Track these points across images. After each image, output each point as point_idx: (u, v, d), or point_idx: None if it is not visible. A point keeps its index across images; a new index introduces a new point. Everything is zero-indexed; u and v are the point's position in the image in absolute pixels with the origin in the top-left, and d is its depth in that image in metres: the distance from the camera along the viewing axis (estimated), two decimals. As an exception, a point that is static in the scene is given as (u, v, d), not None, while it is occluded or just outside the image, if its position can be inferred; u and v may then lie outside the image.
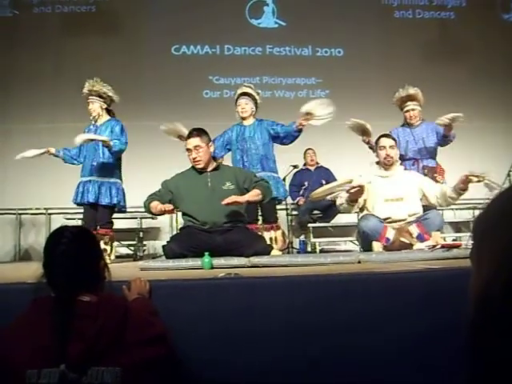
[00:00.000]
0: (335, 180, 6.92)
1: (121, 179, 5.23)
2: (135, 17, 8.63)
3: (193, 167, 4.22)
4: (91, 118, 5.19)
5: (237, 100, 5.40)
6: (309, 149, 7.28)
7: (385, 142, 4.56)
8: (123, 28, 8.52)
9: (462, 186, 4.25)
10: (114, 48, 8.29)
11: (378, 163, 4.62)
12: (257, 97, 5.42)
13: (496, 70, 8.65)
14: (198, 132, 4.19)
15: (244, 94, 5.40)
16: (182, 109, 8.28)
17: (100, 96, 5.19)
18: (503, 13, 9.35)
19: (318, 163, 7.32)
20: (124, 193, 5.22)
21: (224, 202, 3.84)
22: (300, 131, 5.20)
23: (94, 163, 5.07)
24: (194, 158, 4.12)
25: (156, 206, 3.98)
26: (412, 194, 4.41)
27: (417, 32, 8.93)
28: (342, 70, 8.91)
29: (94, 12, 8.65)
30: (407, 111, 5.49)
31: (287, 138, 5.30)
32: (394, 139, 4.66)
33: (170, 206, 3.95)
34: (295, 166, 6.68)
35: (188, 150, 4.14)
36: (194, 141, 4.13)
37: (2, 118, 7.95)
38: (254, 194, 4.06)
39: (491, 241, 0.67)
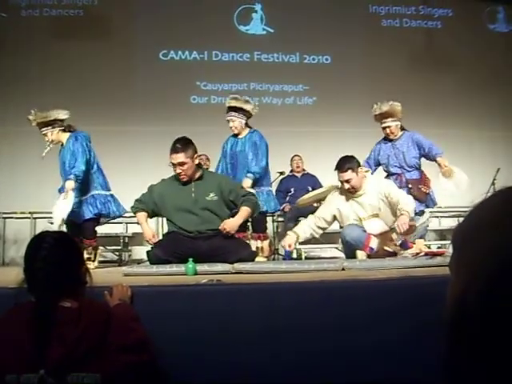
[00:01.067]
0: (321, 187, 6.95)
1: (102, 188, 5.17)
2: (123, 21, 8.61)
3: (175, 178, 4.16)
4: (48, 144, 5.15)
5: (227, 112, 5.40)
6: (295, 155, 7.29)
7: (340, 177, 4.38)
8: (111, 32, 8.50)
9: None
10: (102, 52, 8.27)
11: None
12: (247, 107, 5.36)
13: (482, 79, 8.72)
14: (183, 147, 4.00)
15: (231, 108, 5.36)
16: (169, 114, 8.29)
17: (48, 124, 5.14)
18: (489, 23, 9.44)
19: (304, 170, 7.32)
20: (111, 199, 5.16)
21: (223, 230, 3.94)
22: None
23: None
24: (178, 173, 4.05)
25: (142, 222, 4.13)
26: (383, 206, 4.37)
27: (404, 41, 9.00)
28: (330, 77, 8.95)
29: (81, 16, 8.62)
30: (384, 128, 5.46)
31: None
32: (349, 163, 4.40)
33: (154, 240, 4.06)
34: (281, 173, 6.70)
35: (172, 164, 4.05)
36: (178, 157, 3.98)
37: (-13, 121, 7.91)
38: (244, 215, 4.08)
39: (469, 249, 0.68)
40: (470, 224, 0.72)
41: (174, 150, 3.99)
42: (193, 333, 2.24)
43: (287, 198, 6.94)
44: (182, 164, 3.99)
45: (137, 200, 4.17)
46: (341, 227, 4.61)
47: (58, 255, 1.80)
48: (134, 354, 1.79)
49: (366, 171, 4.58)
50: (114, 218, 5.35)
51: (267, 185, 5.46)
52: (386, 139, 5.49)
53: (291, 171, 7.28)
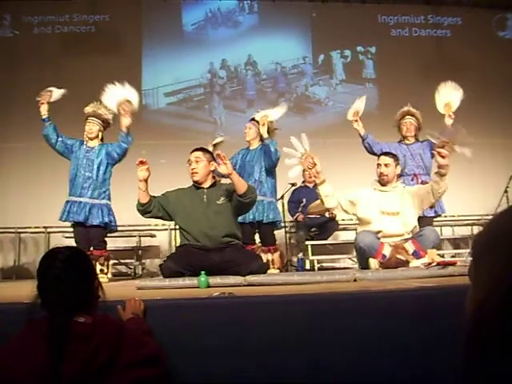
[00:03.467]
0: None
1: (110, 200, 5.24)
2: (134, 37, 8.70)
3: (193, 185, 4.29)
4: (86, 137, 5.22)
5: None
6: (307, 166, 7.31)
7: (381, 159, 4.62)
8: (122, 48, 8.58)
9: (439, 162, 4.27)
10: (113, 67, 8.33)
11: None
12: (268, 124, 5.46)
13: (493, 86, 8.70)
14: (203, 149, 4.41)
15: (252, 118, 5.57)
16: (181, 127, 8.35)
17: (102, 120, 5.23)
18: (499, 30, 9.42)
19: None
20: (113, 213, 5.23)
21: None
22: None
23: (86, 184, 5.09)
24: (192, 169, 4.21)
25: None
26: (408, 209, 4.44)
27: (414, 50, 9.00)
28: (339, 86, 8.99)
29: (93, 32, 8.73)
30: (404, 124, 5.54)
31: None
32: (394, 156, 4.67)
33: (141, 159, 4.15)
34: (293, 184, 6.70)
35: (189, 160, 4.26)
36: (196, 153, 4.28)
37: (1, 136, 7.99)
38: (240, 179, 4.16)
39: (489, 259, 0.69)
40: (489, 234, 0.73)
41: (195, 149, 4.34)
42: (205, 346, 2.26)
43: (299, 209, 6.95)
44: (197, 160, 4.22)
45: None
46: (356, 218, 4.69)
47: (70, 271, 1.82)
48: (147, 369, 1.80)
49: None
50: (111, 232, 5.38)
51: (271, 196, 5.48)
52: (401, 142, 5.55)
53: (303, 182, 7.29)
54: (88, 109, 5.27)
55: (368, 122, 8.26)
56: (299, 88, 9.06)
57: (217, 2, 9.08)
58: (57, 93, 5.25)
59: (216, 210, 4.12)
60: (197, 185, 4.26)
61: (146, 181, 4.13)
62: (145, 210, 4.19)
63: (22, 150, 7.97)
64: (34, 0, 8.59)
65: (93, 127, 5.20)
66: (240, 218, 4.84)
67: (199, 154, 4.28)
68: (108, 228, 5.18)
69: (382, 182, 4.57)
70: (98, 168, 5.11)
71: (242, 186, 4.07)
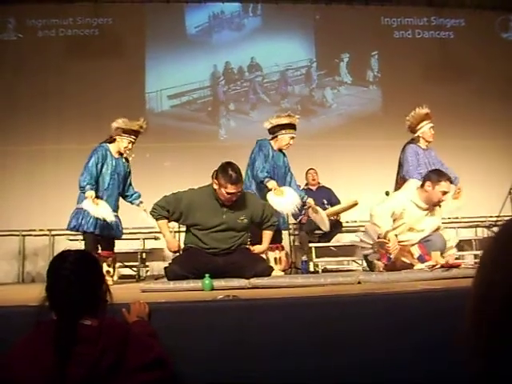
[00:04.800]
0: (337, 199, 6.97)
1: None
2: (137, 40, 8.73)
3: (211, 194, 4.10)
4: (123, 154, 5.24)
5: (279, 128, 5.39)
6: (310, 169, 7.31)
7: (448, 187, 4.36)
8: (126, 50, 8.60)
9: None
10: (117, 70, 8.38)
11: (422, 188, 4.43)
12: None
13: (496, 88, 8.69)
14: (240, 176, 4.05)
15: (292, 125, 5.41)
16: (185, 129, 8.37)
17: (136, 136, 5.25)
18: (502, 31, 9.41)
19: (319, 183, 7.33)
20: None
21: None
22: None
23: (115, 197, 5.20)
24: (227, 199, 4.02)
25: (165, 232, 4.22)
26: (432, 229, 4.42)
27: (417, 52, 9.00)
28: (343, 88, 9.01)
29: (97, 35, 8.75)
30: (430, 128, 5.47)
31: None
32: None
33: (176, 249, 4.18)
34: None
35: (230, 194, 3.98)
36: (238, 187, 4.00)
37: (6, 140, 8.01)
38: (269, 239, 4.33)
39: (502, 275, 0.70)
40: (501, 250, 0.74)
41: (235, 180, 3.97)
42: (210, 349, 2.26)
43: (303, 211, 6.95)
44: (238, 194, 4.04)
45: (158, 205, 4.14)
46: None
47: (79, 274, 1.83)
48: (152, 372, 1.81)
49: None
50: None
51: None
52: (417, 146, 5.48)
53: (306, 184, 7.29)
54: (134, 126, 5.20)
55: (372, 124, 8.34)
56: (303, 90, 9.07)
57: (220, 4, 9.10)
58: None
59: (233, 226, 4.09)
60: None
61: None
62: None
63: (26, 154, 7.99)
64: (37, 3, 8.60)
65: (130, 145, 5.19)
66: None
67: (239, 187, 4.03)
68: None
69: (436, 205, 4.38)
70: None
71: (270, 238, 4.39)
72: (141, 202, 5.31)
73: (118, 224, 5.13)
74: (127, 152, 5.22)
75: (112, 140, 5.18)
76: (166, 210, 4.11)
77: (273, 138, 5.41)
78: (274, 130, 5.38)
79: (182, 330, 2.30)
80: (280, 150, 5.43)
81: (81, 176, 4.93)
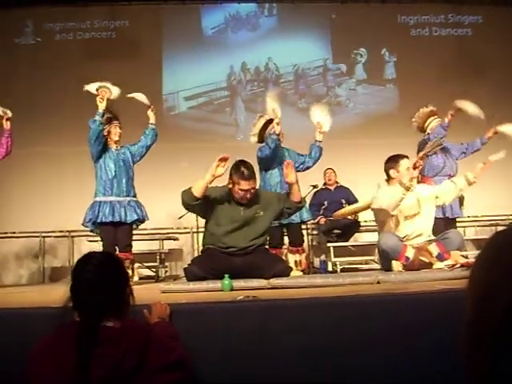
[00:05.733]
0: (355, 198, 6.96)
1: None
2: (154, 41, 8.77)
3: (228, 189, 4.14)
4: (117, 143, 5.28)
5: (267, 125, 5.49)
6: (328, 168, 7.29)
7: (408, 162, 4.45)
8: (143, 52, 8.65)
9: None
10: (134, 72, 8.41)
11: (389, 180, 4.58)
12: None
13: (515, 84, 8.62)
14: (253, 173, 4.10)
15: (270, 120, 5.51)
16: (202, 130, 8.41)
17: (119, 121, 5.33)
18: (520, 28, 9.31)
19: (337, 182, 7.32)
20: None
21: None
22: None
23: (126, 183, 5.19)
24: (243, 197, 4.03)
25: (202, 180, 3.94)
26: (428, 203, 4.46)
27: (434, 50, 8.93)
28: (360, 87, 8.99)
29: (114, 38, 8.82)
30: (438, 122, 5.53)
31: None
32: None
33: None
34: (315, 186, 6.70)
35: (244, 190, 4.00)
36: (251, 183, 4.03)
37: (25, 142, 8.06)
38: (298, 188, 4.18)
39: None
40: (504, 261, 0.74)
41: (248, 176, 4.00)
42: (229, 349, 2.28)
43: (321, 211, 6.95)
44: (252, 190, 4.06)
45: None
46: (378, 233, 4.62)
47: (103, 276, 1.85)
48: (173, 373, 1.82)
49: None
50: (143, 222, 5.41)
51: None
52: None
53: (324, 184, 7.28)
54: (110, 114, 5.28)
55: (388, 123, 8.30)
56: (319, 90, 9.06)
57: (236, 5, 9.12)
58: (115, 90, 5.25)
59: (252, 222, 4.09)
60: None
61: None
62: (195, 204, 3.98)
63: (46, 155, 8.07)
64: (55, 7, 8.68)
65: (119, 130, 5.28)
66: None
67: (253, 183, 4.07)
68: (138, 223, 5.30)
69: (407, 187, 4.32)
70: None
71: (299, 194, 4.16)
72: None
73: (135, 207, 5.16)
74: (120, 136, 5.29)
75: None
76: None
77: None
78: (262, 136, 5.48)
79: (201, 331, 2.31)
80: (283, 147, 5.49)
81: (91, 140, 5.10)
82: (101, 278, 1.84)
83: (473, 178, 4.46)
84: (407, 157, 4.59)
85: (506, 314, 0.67)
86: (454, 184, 4.56)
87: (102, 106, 5.12)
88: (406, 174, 4.33)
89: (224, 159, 3.95)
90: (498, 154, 5.11)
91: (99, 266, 1.86)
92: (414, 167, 4.31)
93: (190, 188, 3.97)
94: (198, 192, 3.90)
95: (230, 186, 4.06)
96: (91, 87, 5.28)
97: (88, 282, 1.82)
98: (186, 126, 8.64)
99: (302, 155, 5.65)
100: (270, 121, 5.47)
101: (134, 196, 5.24)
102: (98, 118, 5.07)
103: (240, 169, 4.01)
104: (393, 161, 4.51)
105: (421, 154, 4.80)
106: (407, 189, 4.17)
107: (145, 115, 5.42)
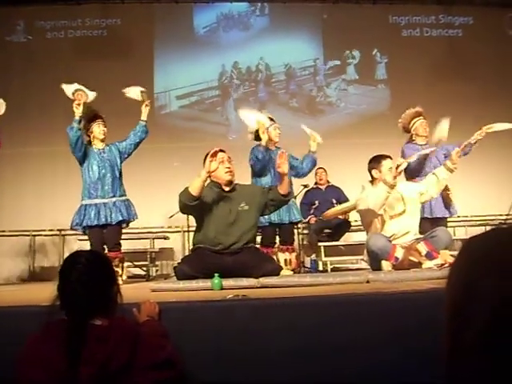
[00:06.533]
0: (346, 198, 6.97)
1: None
2: (146, 40, 8.76)
3: (211, 185, 4.18)
4: (103, 141, 5.21)
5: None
6: (319, 168, 7.29)
7: (390, 162, 4.54)
8: (134, 51, 8.64)
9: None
10: (126, 71, 8.39)
11: (372, 181, 4.62)
12: None
13: (506, 86, 8.65)
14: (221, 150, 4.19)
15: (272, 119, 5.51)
16: (194, 130, 8.40)
17: (102, 119, 5.27)
18: (511, 29, 9.37)
19: (328, 182, 7.33)
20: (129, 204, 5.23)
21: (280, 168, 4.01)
22: None
23: (111, 183, 5.11)
24: (227, 168, 4.11)
25: (198, 177, 3.92)
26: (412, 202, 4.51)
27: (425, 50, 8.96)
28: (351, 87, 9.01)
29: (105, 36, 8.79)
30: (421, 123, 5.55)
31: None
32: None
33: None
34: (306, 186, 6.71)
35: (221, 162, 4.09)
36: (225, 154, 4.16)
37: (16, 141, 8.05)
38: (288, 180, 4.20)
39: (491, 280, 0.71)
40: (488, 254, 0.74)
41: (219, 150, 4.09)
42: (219, 348, 2.28)
43: (312, 211, 6.96)
44: (229, 161, 4.15)
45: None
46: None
47: (91, 275, 1.85)
48: (162, 371, 1.82)
49: None
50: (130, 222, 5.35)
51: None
52: (413, 143, 5.56)
53: (315, 184, 7.29)
54: (89, 113, 5.20)
55: (380, 123, 8.32)
56: (311, 89, 9.07)
57: (228, 4, 9.12)
58: (91, 94, 5.19)
59: (236, 216, 4.09)
60: (218, 186, 4.17)
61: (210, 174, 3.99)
62: (193, 204, 3.95)
63: (37, 155, 8.05)
64: (46, 5, 8.65)
65: (104, 128, 5.20)
66: (263, 220, 4.89)
67: (227, 154, 4.19)
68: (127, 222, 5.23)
69: (391, 185, 4.37)
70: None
71: (288, 186, 4.19)
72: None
73: (121, 207, 5.09)
74: (105, 133, 5.20)
75: (88, 141, 5.23)
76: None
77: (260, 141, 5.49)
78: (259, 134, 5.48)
79: (191, 330, 2.31)
80: (277, 147, 5.48)
81: (71, 147, 5.02)
82: (88, 277, 1.84)
83: (452, 165, 4.52)
84: (390, 157, 4.66)
85: (486, 322, 0.67)
86: (436, 176, 4.60)
87: (78, 112, 4.97)
88: (388, 174, 4.36)
89: (214, 154, 3.97)
90: (504, 124, 5.26)
91: (86, 266, 1.86)
92: (397, 167, 4.33)
93: (186, 188, 3.96)
94: (195, 191, 3.89)
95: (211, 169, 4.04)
96: (67, 90, 5.14)
97: (75, 281, 1.82)
98: (178, 125, 8.63)
99: (296, 158, 5.62)
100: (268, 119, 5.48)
101: (122, 195, 5.17)
102: (75, 124, 4.96)
103: (209, 152, 4.02)
104: (375, 161, 4.60)
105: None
106: (391, 187, 4.21)
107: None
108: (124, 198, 5.17)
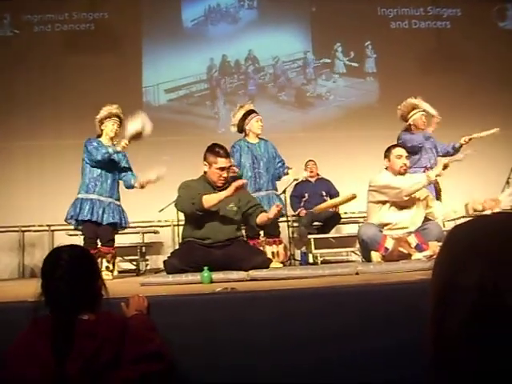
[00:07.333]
0: (336, 191, 6.98)
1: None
2: (134, 33, 8.70)
3: (204, 180, 4.23)
4: (113, 140, 5.19)
5: (247, 116, 5.48)
6: (309, 160, 7.30)
7: (401, 151, 4.57)
8: (122, 44, 8.59)
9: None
10: (114, 64, 8.37)
11: (387, 169, 4.62)
12: None
13: (494, 77, 8.68)
14: (228, 153, 4.26)
15: (251, 111, 5.52)
16: (183, 123, 8.37)
17: (120, 119, 5.25)
18: (499, 21, 9.39)
19: (318, 175, 7.33)
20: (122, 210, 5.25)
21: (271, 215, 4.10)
22: None
23: (111, 184, 5.14)
24: (221, 178, 4.14)
25: (217, 195, 4.02)
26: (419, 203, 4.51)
27: (413, 42, 8.97)
28: (340, 80, 9.01)
29: (92, 29, 8.73)
30: (421, 115, 5.59)
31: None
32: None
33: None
34: (296, 178, 6.71)
35: (221, 168, 4.13)
36: (228, 161, 4.19)
37: (4, 136, 8.01)
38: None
39: (478, 260, 0.71)
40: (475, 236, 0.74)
41: (224, 155, 4.17)
42: (209, 341, 2.28)
43: (302, 203, 6.96)
44: (229, 168, 4.21)
45: (187, 198, 4.08)
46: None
47: (74, 271, 1.84)
48: (150, 364, 1.82)
49: None
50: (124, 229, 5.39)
51: (273, 188, 5.56)
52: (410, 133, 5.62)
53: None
54: (112, 110, 5.20)
55: (369, 115, 8.33)
56: (300, 82, 9.06)
57: (216, -3, 9.08)
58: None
59: (224, 213, 4.13)
60: (210, 183, 4.22)
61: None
62: (199, 214, 4.03)
63: (24, 149, 8.00)
64: (33, -2, 8.60)
65: (116, 127, 5.19)
66: None
67: (229, 161, 4.24)
68: (119, 228, 5.24)
69: (403, 173, 4.51)
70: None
71: (265, 224, 4.30)
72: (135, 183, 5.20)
73: (114, 210, 5.11)
74: (116, 133, 5.20)
75: (100, 135, 5.22)
76: (196, 195, 4.08)
77: (245, 134, 5.49)
78: (241, 126, 5.47)
79: (180, 323, 2.31)
80: (260, 139, 5.48)
81: (91, 155, 4.99)
82: (71, 274, 1.82)
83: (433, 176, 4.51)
84: (401, 146, 4.74)
85: (469, 311, 0.67)
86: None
87: (123, 148, 5.05)
88: (397, 161, 4.47)
89: (241, 187, 4.09)
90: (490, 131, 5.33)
91: (69, 262, 1.85)
92: (444, 167, 4.49)
93: (200, 197, 3.99)
94: (208, 205, 3.99)
95: (207, 168, 4.16)
96: (132, 128, 5.01)
97: (59, 279, 1.81)
98: (167, 119, 8.58)
99: (280, 160, 5.61)
100: (250, 112, 5.47)
101: (118, 199, 5.19)
102: (111, 151, 4.99)
103: (215, 149, 4.16)
104: (387, 150, 4.63)
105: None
106: (430, 182, 4.50)
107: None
108: (119, 202, 5.17)
